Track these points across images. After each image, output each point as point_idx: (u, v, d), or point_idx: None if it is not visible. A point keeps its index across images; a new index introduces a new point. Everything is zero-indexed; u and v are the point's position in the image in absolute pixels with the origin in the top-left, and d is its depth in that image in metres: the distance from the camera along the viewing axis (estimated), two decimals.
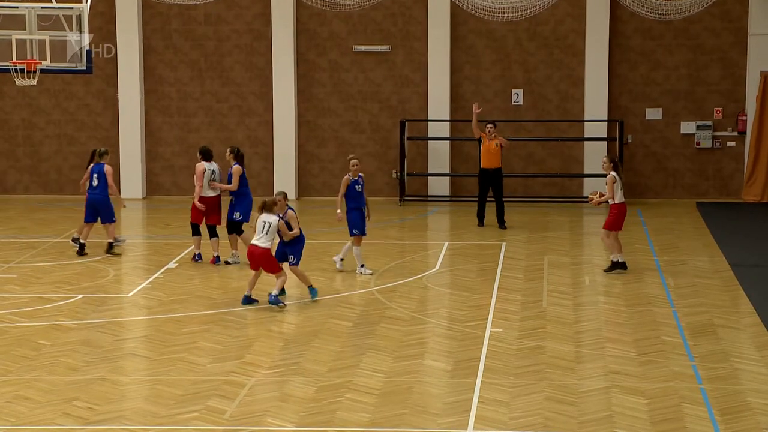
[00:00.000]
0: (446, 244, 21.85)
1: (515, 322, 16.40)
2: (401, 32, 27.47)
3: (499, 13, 23.84)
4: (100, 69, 27.08)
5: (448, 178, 27.27)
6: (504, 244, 21.93)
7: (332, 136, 27.78)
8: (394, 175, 27.26)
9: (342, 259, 19.38)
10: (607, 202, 19.37)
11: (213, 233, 20.09)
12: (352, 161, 19.29)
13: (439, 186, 27.28)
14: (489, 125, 23.64)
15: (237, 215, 19.75)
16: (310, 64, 27.65)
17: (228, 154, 20.28)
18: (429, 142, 27.29)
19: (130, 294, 18.26)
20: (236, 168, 20.06)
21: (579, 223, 25.02)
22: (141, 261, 20.55)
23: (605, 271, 19.36)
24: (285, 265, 17.48)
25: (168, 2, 25.68)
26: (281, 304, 17.07)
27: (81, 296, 17.77)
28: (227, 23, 27.65)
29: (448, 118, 27.21)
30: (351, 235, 19.21)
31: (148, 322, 16.54)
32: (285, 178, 27.36)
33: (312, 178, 27.87)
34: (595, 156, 26.90)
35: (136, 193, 27.50)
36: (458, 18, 27.10)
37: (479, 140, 23.72)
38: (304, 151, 27.70)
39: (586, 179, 27.20)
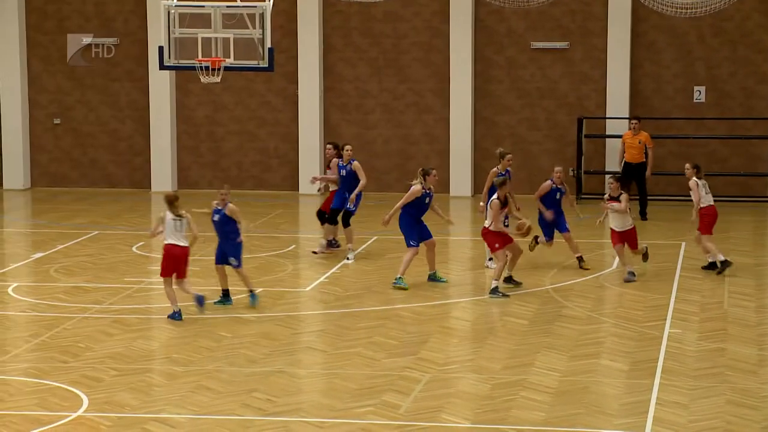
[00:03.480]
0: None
1: (695, 323, 16.07)
2: (580, 29, 27.17)
3: (682, 9, 23.38)
4: (280, 66, 27.51)
5: None
6: (684, 243, 21.50)
7: (509, 134, 27.66)
8: (572, 173, 26.99)
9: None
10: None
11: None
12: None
13: None
14: (633, 121, 24.25)
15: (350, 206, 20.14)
16: (487, 61, 27.60)
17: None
18: (607, 139, 26.94)
19: (307, 288, 18.54)
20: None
21: (763, 224, 24.35)
22: (319, 256, 20.81)
23: (717, 273, 18.89)
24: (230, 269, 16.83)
25: (348, 0, 26.00)
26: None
27: (260, 290, 18.10)
28: (405, 21, 27.82)
29: (627, 116, 26.79)
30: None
31: (325, 317, 16.77)
32: (461, 175, 27.40)
33: (484, 175, 27.76)
34: None
35: (314, 188, 27.89)
36: (639, 14, 26.67)
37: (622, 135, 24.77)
38: (480, 148, 27.67)
39: None
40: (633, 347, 14.93)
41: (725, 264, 18.95)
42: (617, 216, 18.60)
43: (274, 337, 15.58)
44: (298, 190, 27.97)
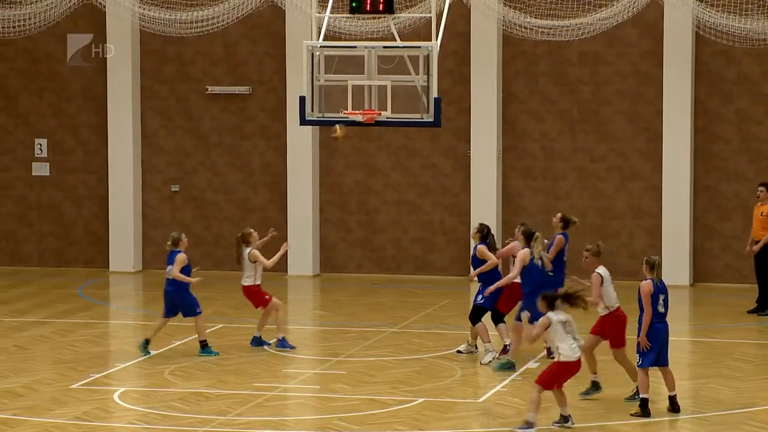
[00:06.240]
0: None
1: None
2: None
3: None
4: (449, 121, 27.71)
5: None
6: None
7: (738, 207, 27.31)
8: None
9: None
10: None
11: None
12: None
13: None
14: (760, 188, 24.36)
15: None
16: (711, 115, 27.39)
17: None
18: None
19: (480, 399, 18.49)
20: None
21: None
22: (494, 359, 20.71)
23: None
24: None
25: (533, 39, 26.13)
26: None
27: (422, 400, 18.10)
28: (607, 64, 27.83)
29: None
30: None
31: None
32: (677, 256, 27.08)
33: (711, 260, 27.49)
34: None
35: None
36: None
37: None
38: (701, 225, 27.38)
39: None
40: None
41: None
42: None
43: None
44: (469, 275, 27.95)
